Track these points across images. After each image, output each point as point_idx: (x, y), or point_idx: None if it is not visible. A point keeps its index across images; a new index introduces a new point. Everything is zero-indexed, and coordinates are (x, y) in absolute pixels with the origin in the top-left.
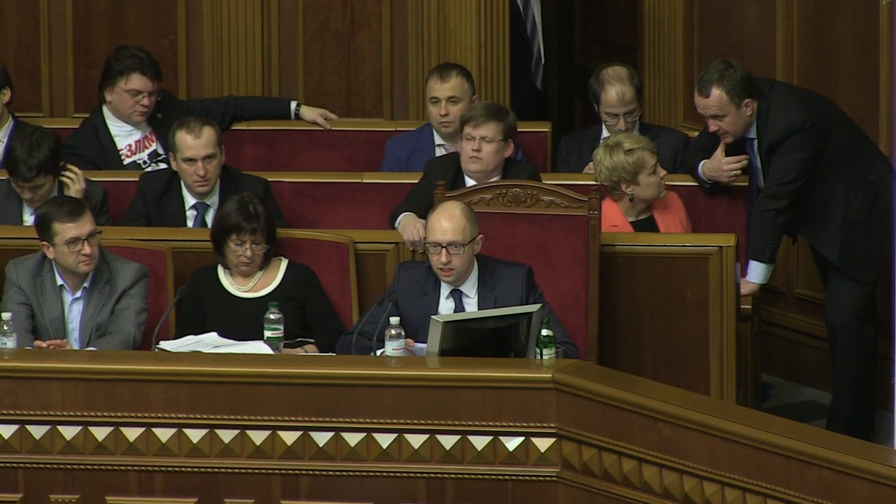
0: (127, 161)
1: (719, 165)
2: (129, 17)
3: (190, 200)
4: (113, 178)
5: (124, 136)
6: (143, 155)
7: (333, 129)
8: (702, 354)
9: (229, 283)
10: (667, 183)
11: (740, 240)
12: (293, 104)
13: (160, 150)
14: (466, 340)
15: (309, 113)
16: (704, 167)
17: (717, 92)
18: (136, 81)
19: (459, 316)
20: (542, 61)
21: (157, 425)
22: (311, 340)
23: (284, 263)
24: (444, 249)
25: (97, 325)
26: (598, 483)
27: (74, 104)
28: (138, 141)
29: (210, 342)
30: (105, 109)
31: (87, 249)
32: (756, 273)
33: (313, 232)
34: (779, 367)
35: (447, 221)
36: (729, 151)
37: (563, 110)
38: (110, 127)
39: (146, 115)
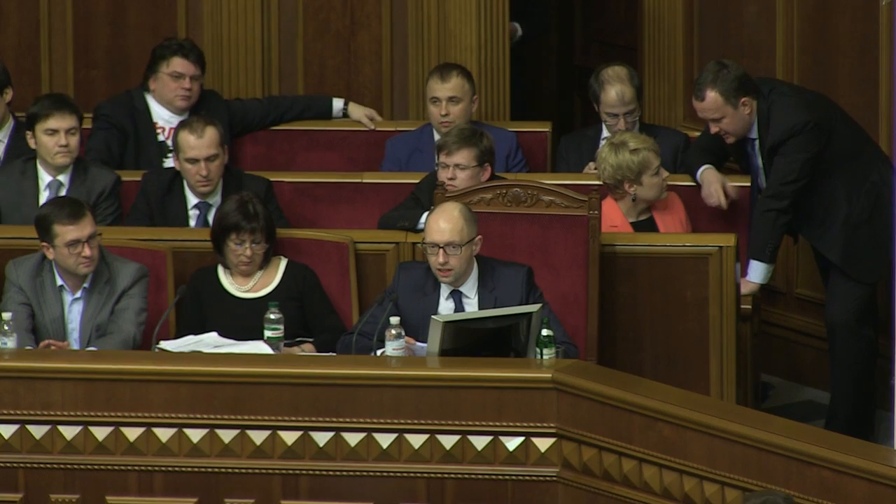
0: (161, 138)
1: (709, 193)
2: (129, 17)
3: (192, 200)
4: None
5: (165, 119)
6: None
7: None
8: (702, 354)
9: (229, 283)
10: (667, 183)
11: (740, 240)
12: (338, 102)
13: None
14: (466, 340)
15: (356, 111)
16: (701, 176)
17: (711, 94)
18: (178, 64)
19: (459, 316)
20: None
21: (157, 425)
22: (310, 339)
23: (284, 263)
24: (441, 250)
25: (97, 325)
26: (598, 483)
27: None
28: (173, 129)
29: (210, 342)
30: (148, 96)
31: (86, 251)
32: (756, 273)
33: (313, 232)
34: (779, 367)
35: (445, 222)
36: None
37: (563, 110)
38: (150, 103)
39: (189, 100)
